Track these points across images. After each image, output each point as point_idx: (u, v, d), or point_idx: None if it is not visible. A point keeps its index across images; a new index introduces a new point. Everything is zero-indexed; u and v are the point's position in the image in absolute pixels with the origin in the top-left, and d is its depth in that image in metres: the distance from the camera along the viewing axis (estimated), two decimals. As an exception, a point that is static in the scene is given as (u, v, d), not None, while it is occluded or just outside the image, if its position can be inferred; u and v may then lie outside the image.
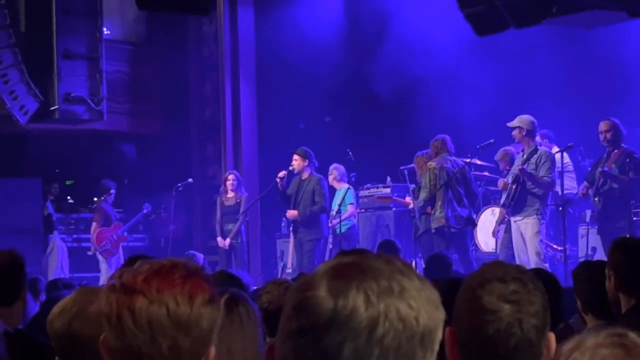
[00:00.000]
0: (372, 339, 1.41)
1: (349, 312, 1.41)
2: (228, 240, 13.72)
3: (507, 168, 11.95)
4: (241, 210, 13.76)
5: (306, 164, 12.97)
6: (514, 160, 11.66)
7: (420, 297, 1.46)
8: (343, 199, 13.25)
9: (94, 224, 14.92)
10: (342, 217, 13.18)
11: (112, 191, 15.01)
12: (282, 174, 12.98)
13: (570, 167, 12.57)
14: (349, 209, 13.47)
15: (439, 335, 1.48)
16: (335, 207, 13.27)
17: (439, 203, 11.63)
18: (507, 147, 12.15)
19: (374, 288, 1.43)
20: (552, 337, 2.32)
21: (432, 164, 11.71)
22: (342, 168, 13.71)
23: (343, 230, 13.18)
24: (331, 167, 13.67)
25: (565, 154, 11.88)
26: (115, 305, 1.91)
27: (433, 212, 11.68)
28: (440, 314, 1.48)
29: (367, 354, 1.42)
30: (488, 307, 2.27)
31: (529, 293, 2.29)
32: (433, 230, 11.67)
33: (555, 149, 12.21)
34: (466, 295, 2.31)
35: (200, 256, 12.13)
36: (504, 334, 2.25)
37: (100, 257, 14.82)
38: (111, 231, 14.81)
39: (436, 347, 1.47)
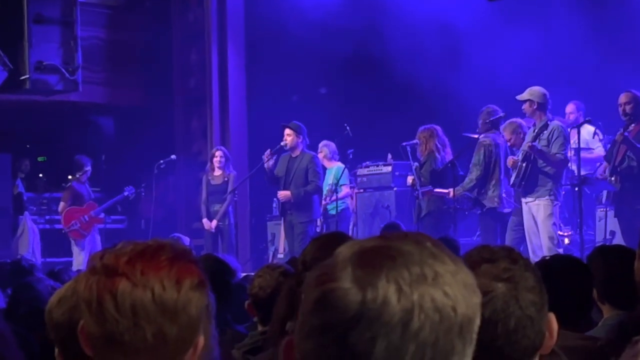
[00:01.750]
0: (406, 334, 1.39)
1: (379, 305, 1.39)
2: (214, 222, 13.72)
3: (511, 139, 11.95)
4: (229, 189, 13.76)
5: (299, 139, 12.94)
6: (520, 131, 11.68)
7: (456, 282, 1.43)
8: (338, 179, 13.27)
9: (61, 203, 14.94)
10: (339, 197, 13.22)
11: (87, 168, 14.98)
12: (267, 153, 12.94)
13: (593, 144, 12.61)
14: (344, 190, 13.49)
15: (477, 324, 1.46)
16: (326, 187, 13.28)
17: (493, 182, 11.74)
18: (514, 119, 12.11)
19: (405, 276, 1.40)
20: (552, 317, 2.31)
21: (486, 140, 11.72)
22: (333, 145, 13.71)
23: (338, 211, 13.22)
24: (321, 145, 13.68)
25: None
26: (96, 288, 1.91)
27: (484, 191, 11.75)
28: (477, 299, 1.46)
29: (401, 350, 1.39)
30: (481, 290, 2.26)
31: (522, 269, 2.29)
32: (484, 210, 11.76)
33: (588, 127, 12.29)
34: None
35: (187, 239, 12.15)
36: (502, 314, 2.23)
37: (72, 240, 14.83)
38: (82, 211, 14.78)
39: (474, 337, 1.45)
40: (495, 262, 2.30)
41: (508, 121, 12.19)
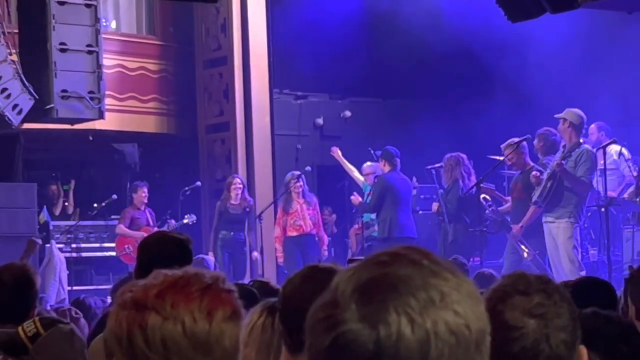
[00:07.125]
0: None
1: (395, 340, 1.36)
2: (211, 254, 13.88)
3: (507, 153, 11.90)
4: (253, 217, 13.86)
5: (380, 164, 13.06)
6: (521, 151, 11.68)
7: (462, 297, 1.41)
8: None
9: (118, 225, 15.14)
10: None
11: (138, 194, 15.02)
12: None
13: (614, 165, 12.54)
14: None
15: (489, 332, 1.45)
16: None
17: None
18: (513, 139, 12.07)
19: (413, 304, 1.38)
20: (583, 350, 2.28)
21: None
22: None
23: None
24: (366, 166, 13.66)
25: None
26: (126, 323, 1.86)
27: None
28: (483, 306, 1.44)
29: None
30: (511, 324, 2.24)
31: (556, 305, 2.26)
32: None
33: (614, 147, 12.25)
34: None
35: (211, 260, 12.10)
36: (531, 351, 2.21)
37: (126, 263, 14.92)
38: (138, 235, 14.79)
39: (489, 344, 1.44)
40: (529, 296, 2.27)
41: (509, 141, 12.16)
